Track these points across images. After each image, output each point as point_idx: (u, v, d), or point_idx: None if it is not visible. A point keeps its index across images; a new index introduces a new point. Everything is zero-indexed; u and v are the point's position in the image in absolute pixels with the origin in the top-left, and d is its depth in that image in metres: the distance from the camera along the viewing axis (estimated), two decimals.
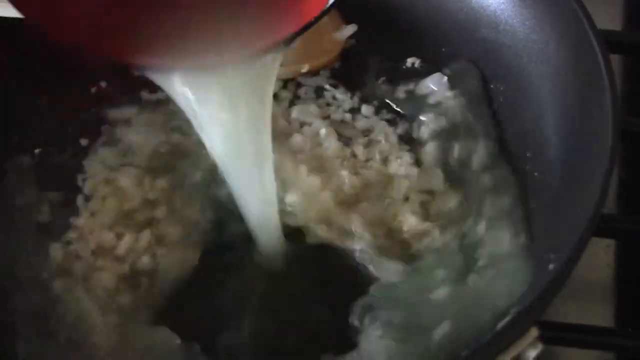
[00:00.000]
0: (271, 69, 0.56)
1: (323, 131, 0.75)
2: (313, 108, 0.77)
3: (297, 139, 0.74)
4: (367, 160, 0.74)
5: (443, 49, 0.79)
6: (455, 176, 0.72)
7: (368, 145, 0.75)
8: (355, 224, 0.68)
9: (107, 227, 0.70)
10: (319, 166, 0.72)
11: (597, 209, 0.56)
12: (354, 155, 0.75)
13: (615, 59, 0.83)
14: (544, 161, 0.68)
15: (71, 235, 0.70)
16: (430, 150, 0.74)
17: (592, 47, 0.64)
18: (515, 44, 0.74)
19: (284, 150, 0.72)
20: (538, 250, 0.62)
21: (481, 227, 0.68)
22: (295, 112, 0.77)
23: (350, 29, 0.80)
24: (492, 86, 0.77)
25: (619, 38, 0.86)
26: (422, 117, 0.77)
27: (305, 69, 0.77)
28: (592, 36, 0.65)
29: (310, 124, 0.76)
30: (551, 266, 0.56)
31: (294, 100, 0.79)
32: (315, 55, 0.79)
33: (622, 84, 0.85)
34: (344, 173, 0.72)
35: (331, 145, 0.74)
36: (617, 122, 0.60)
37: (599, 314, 0.71)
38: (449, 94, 0.77)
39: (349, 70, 0.80)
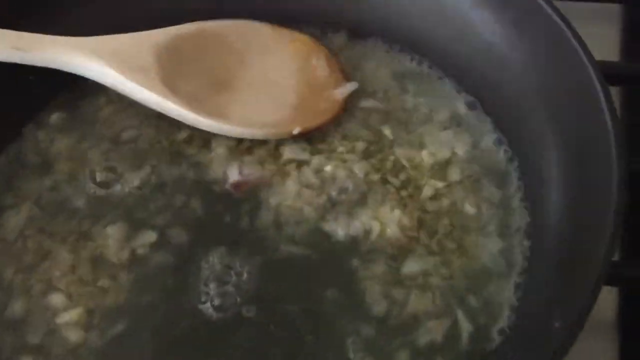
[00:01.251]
0: None
1: (329, 168, 0.71)
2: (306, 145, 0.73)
3: (290, 186, 0.70)
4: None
5: None
6: None
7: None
8: None
9: None
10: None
11: (605, 268, 0.56)
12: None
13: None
14: (547, 206, 0.67)
15: None
16: None
17: (593, 86, 0.64)
18: (509, 79, 0.73)
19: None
20: (543, 304, 0.61)
21: None
22: (288, 152, 0.72)
23: (352, 86, 0.76)
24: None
25: (616, 70, 0.83)
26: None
27: (296, 131, 0.72)
28: (593, 75, 0.64)
29: (308, 163, 0.72)
30: (557, 324, 0.56)
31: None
32: (309, 115, 0.73)
33: (621, 115, 0.81)
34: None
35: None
36: (623, 165, 0.60)
37: (603, 355, 0.69)
38: None
39: None
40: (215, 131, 0.71)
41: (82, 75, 0.70)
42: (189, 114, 0.70)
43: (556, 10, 0.68)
